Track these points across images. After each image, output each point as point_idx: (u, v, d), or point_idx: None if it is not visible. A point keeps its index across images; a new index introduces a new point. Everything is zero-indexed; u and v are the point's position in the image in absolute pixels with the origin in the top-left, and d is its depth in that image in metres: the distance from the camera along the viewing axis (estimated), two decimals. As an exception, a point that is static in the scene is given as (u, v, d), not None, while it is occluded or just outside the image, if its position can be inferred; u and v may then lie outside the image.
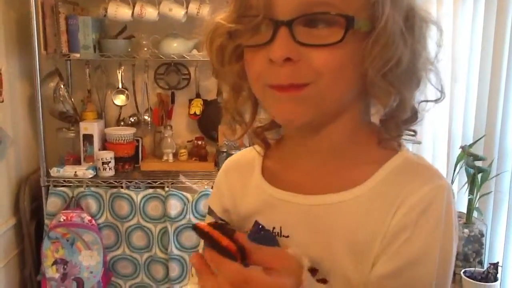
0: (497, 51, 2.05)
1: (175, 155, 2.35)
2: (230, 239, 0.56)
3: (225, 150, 2.25)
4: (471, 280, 1.73)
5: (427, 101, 0.66)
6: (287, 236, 0.67)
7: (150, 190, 2.16)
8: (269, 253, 0.57)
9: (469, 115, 2.16)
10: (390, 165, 0.66)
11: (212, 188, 2.14)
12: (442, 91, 0.65)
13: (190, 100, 2.37)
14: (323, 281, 0.64)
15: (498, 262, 1.82)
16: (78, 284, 2.06)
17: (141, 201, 2.15)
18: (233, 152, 2.23)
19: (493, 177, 2.01)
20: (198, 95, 2.39)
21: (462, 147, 1.95)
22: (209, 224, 0.58)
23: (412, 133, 0.69)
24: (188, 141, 2.41)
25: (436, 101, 0.66)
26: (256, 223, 0.65)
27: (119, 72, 2.35)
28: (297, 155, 0.71)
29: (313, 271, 0.64)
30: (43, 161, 2.15)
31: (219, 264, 0.54)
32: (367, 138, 0.68)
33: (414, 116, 0.67)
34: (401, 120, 0.66)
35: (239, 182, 0.76)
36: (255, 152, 0.76)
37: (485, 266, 1.84)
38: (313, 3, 0.56)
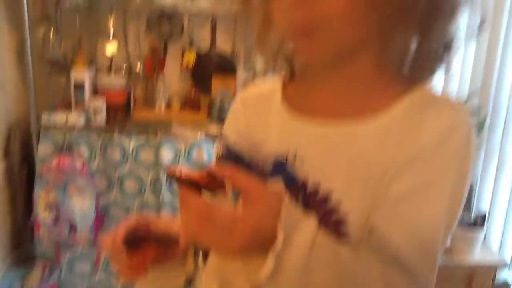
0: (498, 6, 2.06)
1: (168, 105, 2.34)
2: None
3: (218, 100, 2.25)
4: (460, 227, 1.77)
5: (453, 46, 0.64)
6: (302, 163, 0.68)
7: (143, 138, 2.16)
8: (246, 180, 0.58)
9: (466, 71, 2.19)
10: (412, 96, 0.66)
11: (204, 137, 2.15)
12: (483, 17, 0.63)
13: (183, 51, 2.35)
14: (337, 207, 0.65)
15: (485, 215, 1.86)
16: (71, 228, 2.06)
17: (133, 148, 2.15)
18: (225, 103, 2.23)
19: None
20: (191, 45, 2.36)
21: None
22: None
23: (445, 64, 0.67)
24: (180, 91, 2.39)
25: (479, 27, 0.64)
26: (277, 158, 0.67)
27: (110, 20, 2.31)
28: (317, 84, 0.71)
29: (326, 198, 0.66)
30: (34, 106, 2.12)
31: (187, 199, 0.56)
32: (390, 71, 0.67)
33: (446, 50, 0.65)
34: (428, 59, 0.65)
35: (256, 110, 0.78)
36: (274, 83, 0.78)
37: (473, 213, 1.88)
38: None
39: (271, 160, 0.70)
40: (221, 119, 2.23)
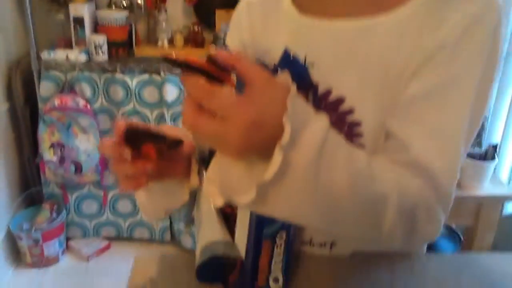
0: None
1: (171, 41, 2.26)
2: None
3: (223, 35, 2.16)
4: (471, 159, 1.73)
5: None
6: (312, 65, 0.63)
7: (146, 76, 2.10)
8: (250, 67, 0.50)
9: None
10: None
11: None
12: None
13: (186, -17, 2.25)
14: (350, 111, 0.60)
15: (497, 144, 1.81)
16: (76, 167, 2.06)
17: (136, 86, 2.10)
18: (230, 38, 2.15)
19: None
20: (193, -23, 2.25)
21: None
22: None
23: None
24: (184, 26, 2.31)
25: None
26: (285, 51, 0.61)
27: (108, -50, 2.20)
28: None
29: (339, 100, 0.61)
30: (33, 45, 2.06)
31: (186, 82, 0.48)
32: None
33: None
34: None
35: (262, 15, 0.72)
36: None
37: (484, 147, 1.84)
38: None
39: (284, 54, 0.62)
40: (226, 55, 2.16)
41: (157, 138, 0.59)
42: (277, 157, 0.47)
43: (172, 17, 2.30)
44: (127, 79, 2.09)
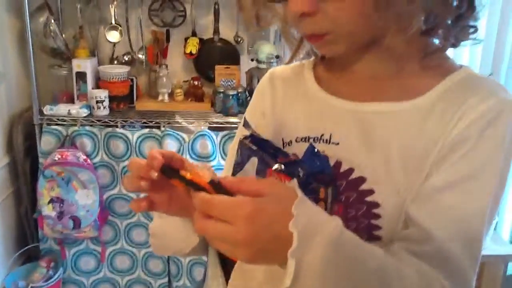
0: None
1: (171, 95, 2.30)
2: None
3: (222, 90, 2.20)
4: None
5: None
6: (337, 143, 0.65)
7: (146, 130, 2.12)
8: (255, 182, 0.54)
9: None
10: (452, 78, 0.63)
11: (208, 128, 2.11)
12: None
13: (186, 39, 2.29)
14: (370, 192, 0.62)
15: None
16: (75, 223, 2.05)
17: (136, 140, 2.12)
18: (230, 92, 2.18)
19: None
20: (194, 34, 2.30)
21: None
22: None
23: (472, 30, 0.63)
24: (184, 81, 2.35)
25: None
26: (311, 145, 0.63)
27: (112, 7, 2.25)
28: (351, 64, 0.68)
29: (361, 179, 0.62)
30: (36, 99, 2.09)
31: (193, 196, 0.53)
32: (423, 46, 0.64)
33: (465, 14, 0.61)
34: (445, 24, 0.61)
35: (284, 90, 0.75)
36: (303, 64, 0.76)
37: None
38: None
39: (303, 145, 0.66)
40: (225, 109, 2.19)
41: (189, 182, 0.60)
42: (290, 263, 0.49)
43: (173, 71, 2.34)
44: (128, 133, 2.11)
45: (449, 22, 0.61)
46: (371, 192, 0.62)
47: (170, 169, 0.58)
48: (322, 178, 0.61)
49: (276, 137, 0.71)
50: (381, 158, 0.62)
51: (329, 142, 0.65)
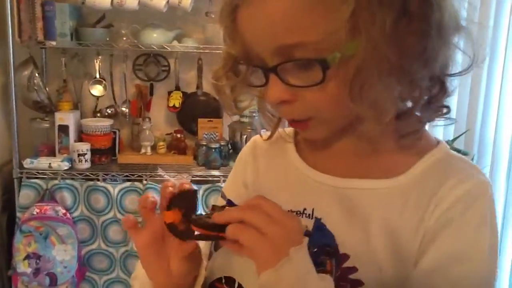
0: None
1: (154, 148, 2.30)
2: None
3: (205, 143, 2.22)
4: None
5: (451, 75, 0.61)
6: (320, 218, 0.65)
7: (128, 183, 2.11)
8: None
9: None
10: (430, 157, 0.64)
11: (191, 181, 2.10)
12: (475, 57, 0.59)
13: (169, 92, 2.33)
14: (353, 269, 0.61)
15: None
16: (51, 280, 1.99)
17: (118, 194, 2.10)
18: (212, 145, 2.20)
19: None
20: (177, 88, 2.34)
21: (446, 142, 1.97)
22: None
23: (445, 110, 0.64)
24: (167, 134, 2.36)
25: (467, 70, 0.61)
26: (318, 220, 0.64)
27: (96, 62, 2.29)
28: (331, 141, 0.68)
29: (344, 256, 0.62)
30: (16, 152, 2.08)
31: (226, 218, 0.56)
32: (402, 125, 0.64)
33: (437, 95, 0.62)
34: (419, 108, 0.62)
35: (266, 160, 0.75)
36: (286, 133, 0.75)
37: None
38: (288, 46, 0.55)
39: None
40: (207, 162, 2.20)
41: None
42: None
43: (156, 124, 2.36)
44: (109, 186, 2.09)
45: (422, 104, 0.62)
46: (354, 270, 0.61)
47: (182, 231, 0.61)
48: (328, 251, 0.62)
49: None
50: (363, 235, 0.62)
51: (311, 217, 0.65)
